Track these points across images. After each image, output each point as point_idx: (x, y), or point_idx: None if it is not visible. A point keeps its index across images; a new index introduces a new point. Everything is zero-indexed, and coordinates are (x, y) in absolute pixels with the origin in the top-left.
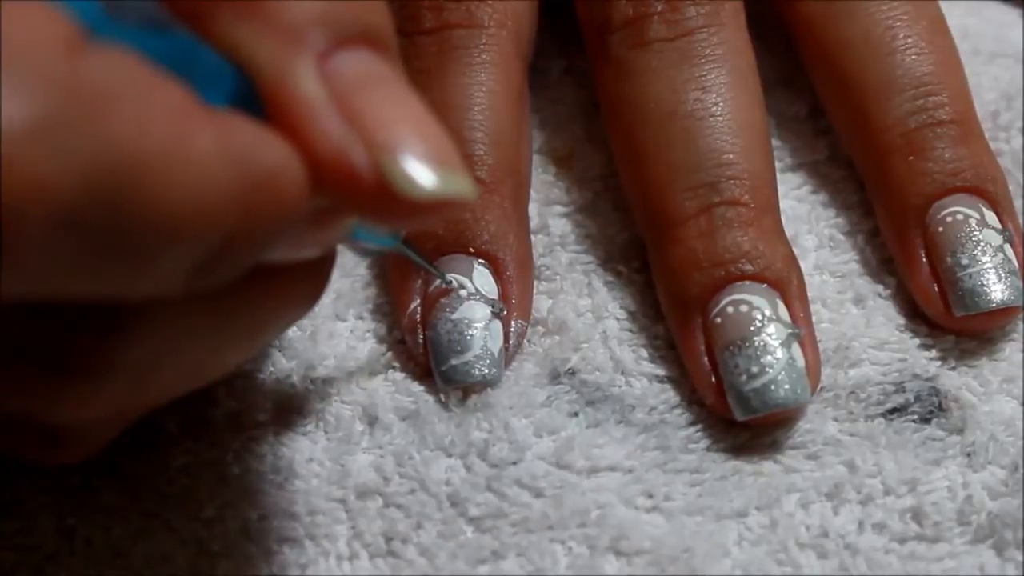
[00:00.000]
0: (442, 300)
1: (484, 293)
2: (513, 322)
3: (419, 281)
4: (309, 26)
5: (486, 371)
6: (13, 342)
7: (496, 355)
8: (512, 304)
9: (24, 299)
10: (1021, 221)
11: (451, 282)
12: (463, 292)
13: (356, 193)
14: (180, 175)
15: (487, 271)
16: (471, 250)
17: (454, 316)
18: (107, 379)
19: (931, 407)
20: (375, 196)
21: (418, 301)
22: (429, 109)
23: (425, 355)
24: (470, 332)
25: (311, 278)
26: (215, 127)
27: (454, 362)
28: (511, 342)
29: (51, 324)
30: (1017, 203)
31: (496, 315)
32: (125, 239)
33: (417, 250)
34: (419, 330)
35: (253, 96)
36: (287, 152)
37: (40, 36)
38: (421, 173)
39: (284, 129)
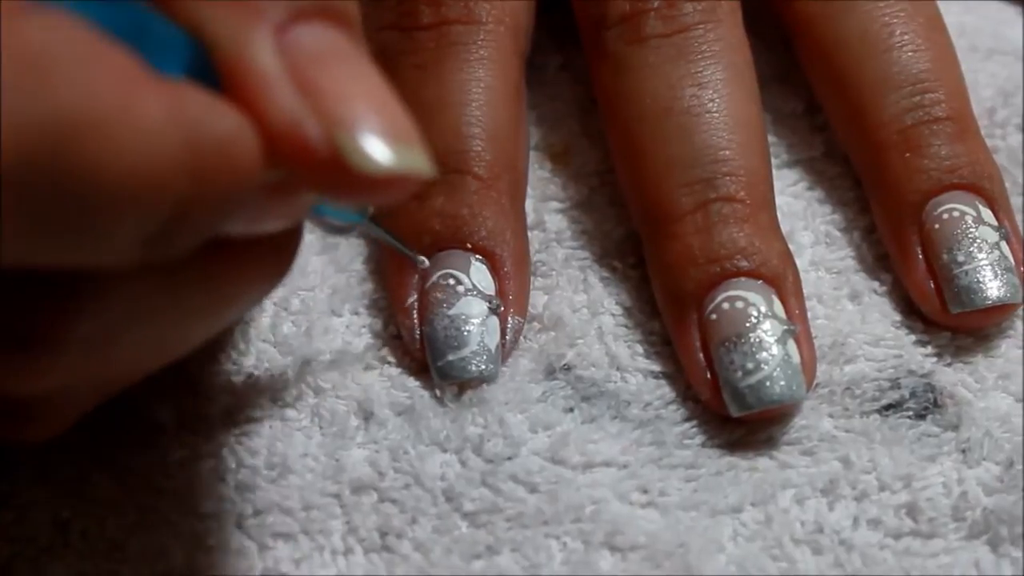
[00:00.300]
0: (439, 295)
1: (481, 289)
2: (510, 318)
3: (416, 276)
4: None
5: (483, 367)
6: None
7: (493, 351)
8: (509, 300)
9: None
10: (1019, 219)
11: (423, 262)
12: (460, 288)
13: (310, 166)
14: (125, 141)
15: (484, 267)
16: (468, 246)
17: (451, 312)
18: (63, 351)
19: (926, 403)
20: (329, 170)
21: (415, 296)
22: (387, 85)
23: (422, 350)
24: (467, 328)
25: (276, 253)
26: (164, 94)
27: (451, 358)
28: (508, 338)
29: (4, 296)
30: (1014, 200)
31: (493, 311)
32: (70, 205)
33: (386, 228)
34: (416, 325)
35: (208, 68)
36: (239, 122)
37: None
38: (376, 148)
39: (239, 101)
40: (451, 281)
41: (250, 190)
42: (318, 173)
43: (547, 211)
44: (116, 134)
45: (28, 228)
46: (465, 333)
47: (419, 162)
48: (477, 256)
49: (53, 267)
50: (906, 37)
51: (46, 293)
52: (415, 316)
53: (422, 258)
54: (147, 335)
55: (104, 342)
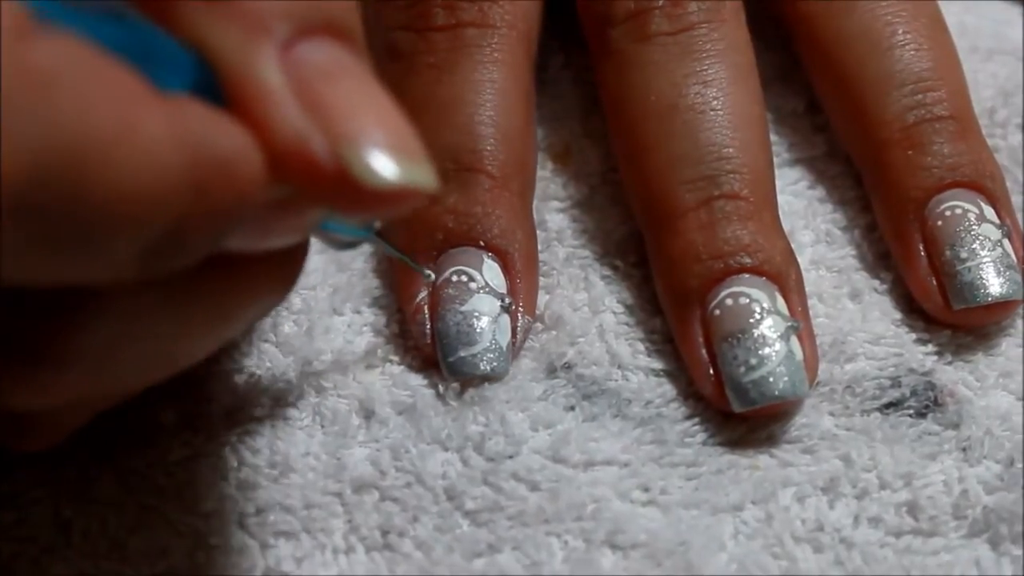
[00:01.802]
0: (451, 292)
1: (493, 287)
2: (520, 317)
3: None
4: (272, 16)
5: (494, 364)
6: None
7: (504, 349)
8: (520, 299)
9: None
10: (1020, 218)
11: (429, 276)
12: (473, 285)
13: (316, 182)
14: (127, 159)
15: (496, 265)
16: (481, 243)
17: (464, 308)
18: (67, 365)
19: (927, 402)
20: (336, 185)
21: (425, 292)
22: (391, 100)
23: (431, 346)
24: (480, 325)
25: (281, 268)
26: (166, 112)
27: (462, 354)
28: (518, 337)
29: (7, 311)
30: (1015, 199)
31: (505, 309)
32: (73, 224)
33: (392, 243)
34: (426, 321)
35: (213, 85)
36: (243, 139)
37: None
38: (382, 162)
39: (244, 118)
40: (464, 278)
41: (253, 207)
42: (324, 189)
43: (548, 210)
44: (118, 153)
45: (28, 247)
46: (477, 330)
47: (424, 176)
48: (489, 254)
49: (53, 284)
50: (908, 36)
51: (48, 308)
52: (426, 312)
53: (428, 272)
54: (149, 349)
55: (106, 357)
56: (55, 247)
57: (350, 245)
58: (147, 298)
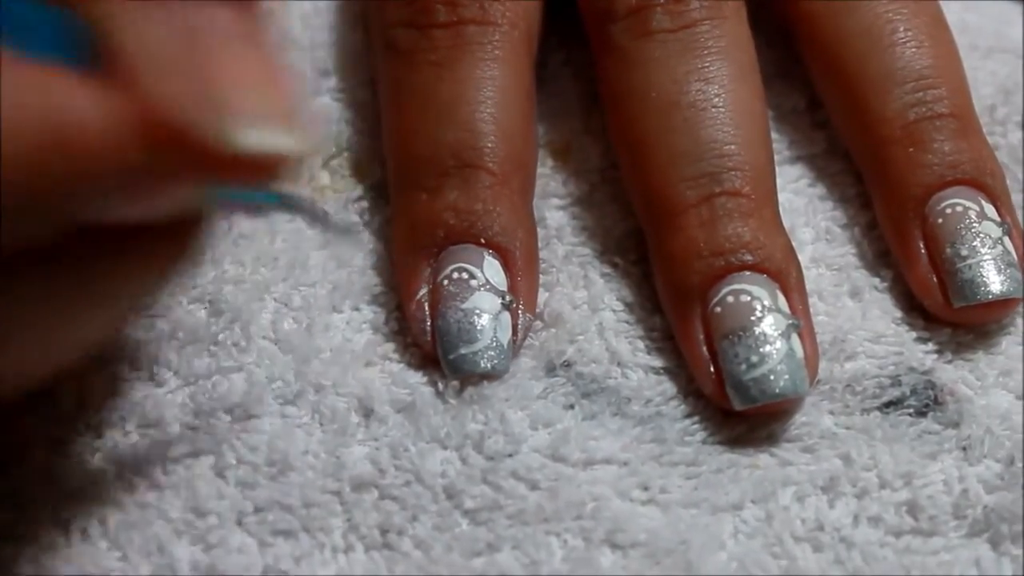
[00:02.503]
0: (452, 289)
1: (494, 284)
2: (521, 315)
3: (428, 269)
4: None
5: (495, 361)
6: None
7: (505, 347)
8: (520, 297)
9: None
10: (1021, 216)
11: (349, 230)
12: (473, 282)
13: (178, 149)
14: None
15: (497, 263)
16: (482, 241)
17: (464, 305)
18: None
19: (927, 400)
20: (196, 153)
21: (426, 289)
22: (272, 62)
23: (432, 343)
24: (481, 322)
25: (174, 238)
26: (16, 72)
27: (463, 351)
28: (518, 335)
29: None
30: (1015, 197)
31: (506, 307)
32: None
33: (299, 199)
34: (427, 318)
35: (80, 46)
36: (97, 102)
37: None
38: (242, 127)
39: (111, 81)
40: (465, 275)
41: (106, 175)
42: (183, 158)
43: (548, 207)
44: None
45: None
46: (478, 328)
47: (290, 141)
48: (490, 251)
49: None
50: (909, 34)
51: None
52: (426, 309)
53: (350, 229)
54: (41, 332)
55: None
56: None
57: (262, 211)
58: (28, 278)
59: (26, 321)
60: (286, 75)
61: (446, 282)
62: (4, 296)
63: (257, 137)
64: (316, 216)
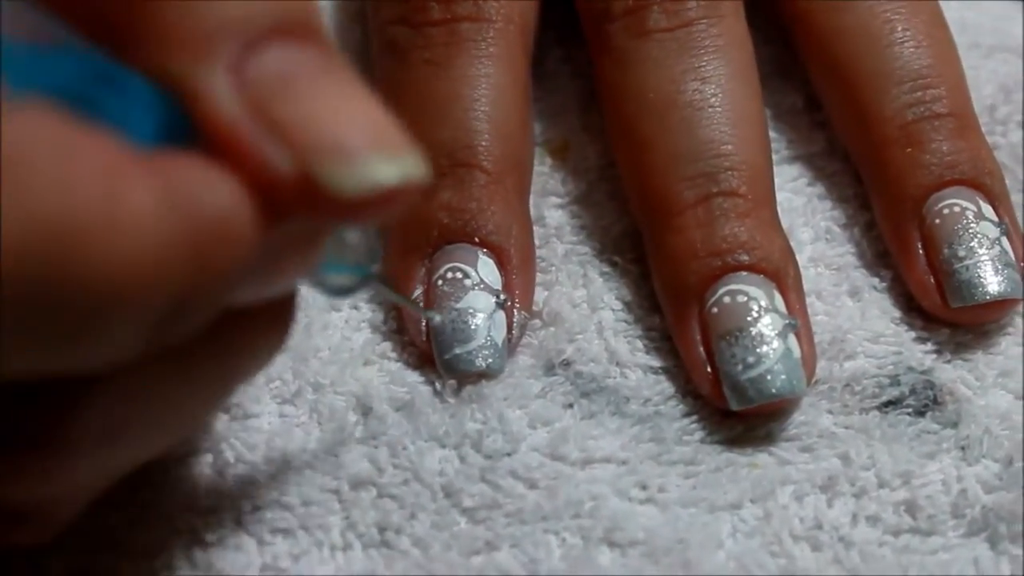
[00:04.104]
0: (446, 288)
1: (488, 283)
2: (516, 313)
3: (422, 269)
4: (216, 34)
5: (490, 360)
6: None
7: (500, 345)
8: (516, 295)
9: None
10: (1020, 216)
11: (435, 318)
12: (468, 281)
13: (300, 205)
14: (115, 238)
15: (491, 262)
16: (476, 240)
17: (459, 305)
18: (73, 450)
19: (926, 400)
20: (317, 203)
21: (421, 289)
22: (366, 90)
23: (427, 343)
24: (475, 322)
25: (278, 315)
26: (150, 177)
27: (458, 351)
28: (514, 333)
29: (4, 398)
30: (1015, 197)
31: (500, 306)
32: (65, 313)
33: (393, 287)
34: (422, 318)
35: (181, 119)
36: (230, 187)
37: None
38: (362, 165)
39: (220, 152)
40: (459, 275)
41: (252, 258)
42: (311, 210)
43: (547, 206)
44: (105, 232)
45: (23, 342)
46: (472, 327)
47: (411, 168)
48: (484, 251)
49: (55, 375)
50: (908, 33)
51: (51, 393)
52: (421, 308)
53: (433, 313)
54: (156, 421)
55: (113, 435)
56: (51, 339)
57: (347, 291)
58: (153, 370)
59: (156, 409)
60: (375, 100)
61: (440, 282)
62: (135, 392)
63: (384, 171)
64: (400, 298)
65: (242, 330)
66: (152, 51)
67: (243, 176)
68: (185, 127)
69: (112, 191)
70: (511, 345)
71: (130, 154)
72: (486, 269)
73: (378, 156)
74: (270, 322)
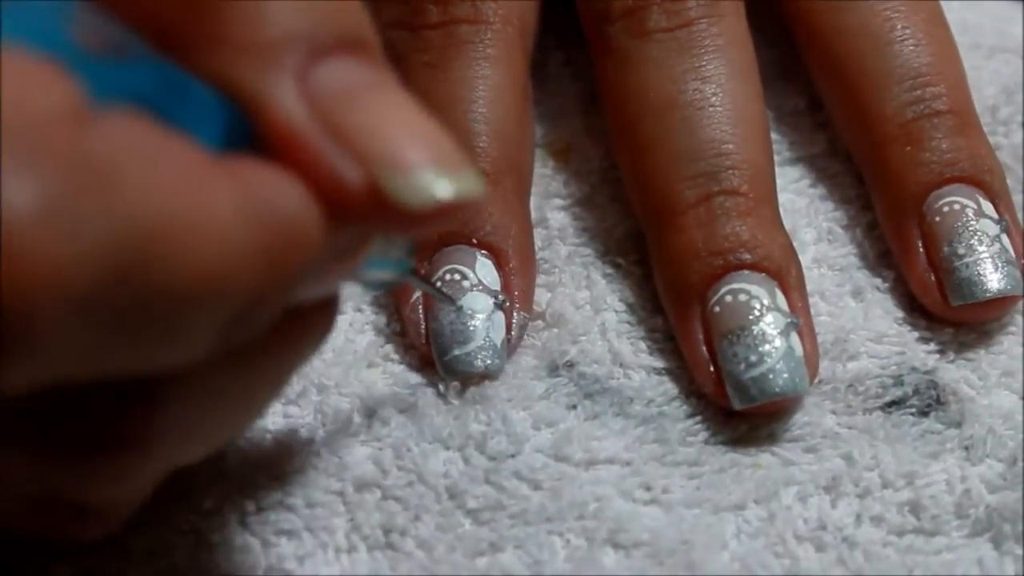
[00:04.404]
0: (445, 290)
1: (487, 284)
2: (515, 314)
3: (421, 271)
4: (281, 44)
5: (488, 362)
6: (39, 422)
7: (499, 346)
8: (514, 296)
9: (44, 387)
10: (1021, 216)
11: (461, 307)
12: (466, 283)
13: (367, 214)
14: (200, 240)
15: (490, 263)
16: (474, 241)
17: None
18: (148, 449)
19: (929, 400)
20: (384, 213)
21: (420, 291)
22: (420, 107)
23: (427, 345)
24: (473, 323)
25: (324, 311)
26: (229, 182)
27: (456, 352)
28: (513, 334)
29: (80, 401)
30: (1017, 198)
31: (498, 307)
32: (148, 312)
33: (422, 277)
34: (421, 320)
35: (244, 127)
36: (300, 192)
37: (43, 105)
38: (425, 180)
39: (286, 160)
40: (457, 276)
41: (318, 259)
42: (378, 220)
43: (549, 208)
44: (191, 235)
45: (107, 343)
46: (471, 328)
47: (470, 184)
48: (483, 252)
49: (133, 375)
50: (908, 31)
51: (126, 394)
52: (420, 311)
53: (460, 303)
54: (219, 418)
55: (184, 433)
56: (134, 339)
57: (384, 285)
58: (218, 370)
59: (222, 408)
60: (432, 117)
61: (439, 283)
62: (207, 391)
63: (445, 186)
64: (429, 286)
65: (294, 327)
66: (215, 59)
67: (308, 183)
68: (246, 134)
69: (198, 195)
70: (511, 346)
71: (211, 159)
72: (484, 270)
73: (440, 172)
74: (317, 317)
